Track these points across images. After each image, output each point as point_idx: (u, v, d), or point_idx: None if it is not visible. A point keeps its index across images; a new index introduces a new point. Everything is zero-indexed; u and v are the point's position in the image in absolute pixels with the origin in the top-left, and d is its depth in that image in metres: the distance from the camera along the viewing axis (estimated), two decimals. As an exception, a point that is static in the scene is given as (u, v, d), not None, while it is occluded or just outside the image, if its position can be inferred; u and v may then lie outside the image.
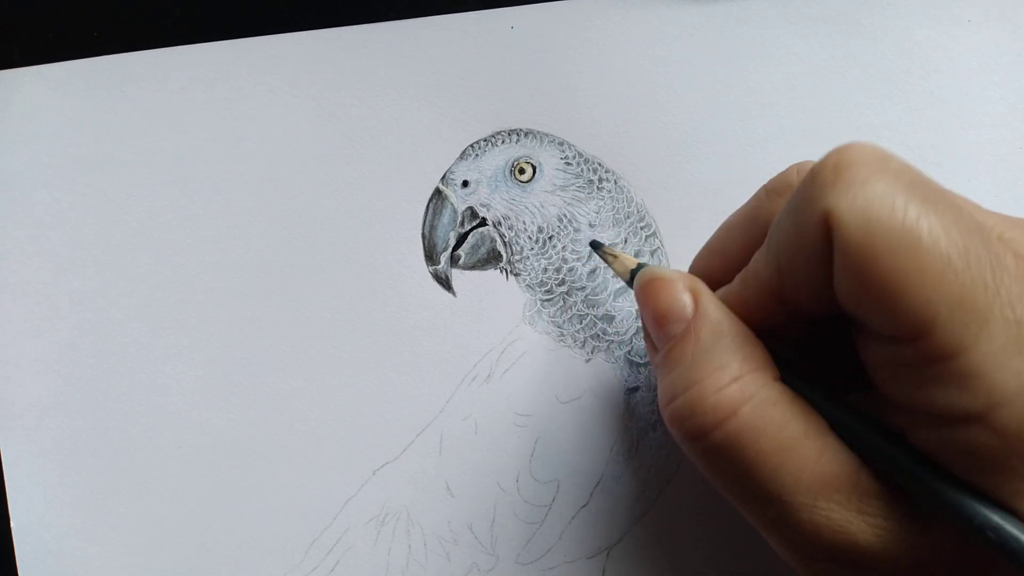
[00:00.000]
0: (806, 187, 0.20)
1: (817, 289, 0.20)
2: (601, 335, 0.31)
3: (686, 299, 0.23)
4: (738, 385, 0.21)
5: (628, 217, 0.31)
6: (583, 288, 0.31)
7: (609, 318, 0.31)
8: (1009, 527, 0.18)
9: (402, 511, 0.31)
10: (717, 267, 0.25)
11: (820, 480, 0.20)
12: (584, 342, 0.31)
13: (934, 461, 0.20)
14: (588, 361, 0.31)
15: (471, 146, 0.32)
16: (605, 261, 0.29)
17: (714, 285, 0.24)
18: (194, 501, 0.31)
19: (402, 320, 0.31)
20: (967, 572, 0.20)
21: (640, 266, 0.26)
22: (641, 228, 0.32)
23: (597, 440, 0.31)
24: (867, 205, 0.18)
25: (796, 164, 0.24)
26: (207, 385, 0.31)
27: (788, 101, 0.32)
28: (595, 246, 0.30)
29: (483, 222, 0.31)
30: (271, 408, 0.31)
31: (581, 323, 0.31)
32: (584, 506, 0.31)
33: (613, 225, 0.31)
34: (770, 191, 0.24)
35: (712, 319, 0.22)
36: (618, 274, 0.28)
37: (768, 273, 0.21)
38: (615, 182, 0.32)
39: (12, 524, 0.31)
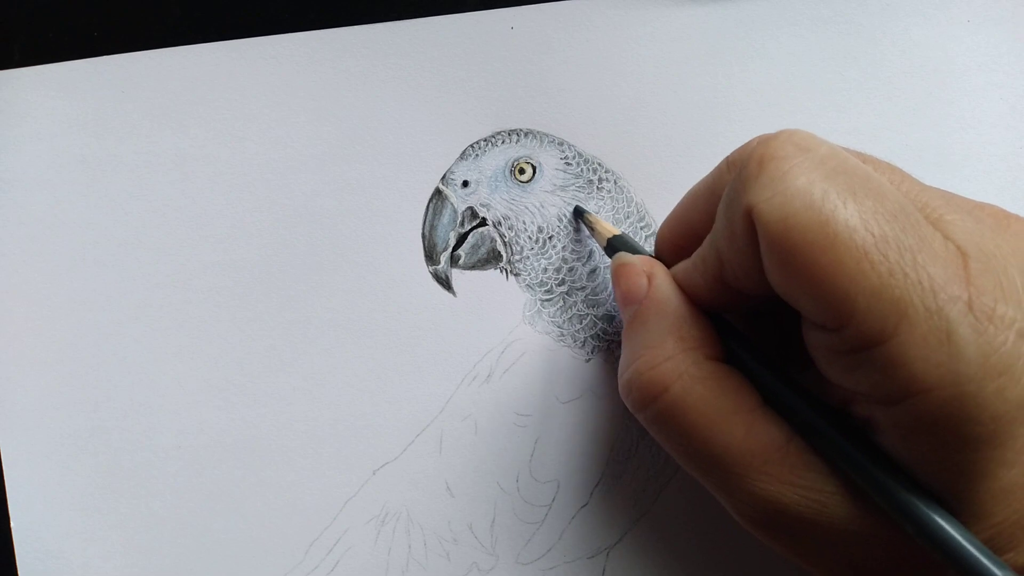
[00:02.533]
0: (734, 180, 0.21)
1: (754, 277, 0.21)
2: (601, 335, 0.31)
3: (643, 282, 0.25)
4: (670, 363, 0.23)
5: (628, 217, 0.32)
6: (583, 288, 0.31)
7: (609, 318, 0.31)
8: (924, 510, 0.19)
9: (402, 511, 0.31)
10: (680, 236, 0.26)
11: (749, 453, 0.21)
12: (584, 342, 0.31)
13: (867, 436, 0.20)
14: (588, 361, 0.31)
15: (471, 146, 0.32)
16: (587, 227, 0.30)
17: (677, 253, 0.25)
18: (194, 501, 0.31)
19: (402, 320, 0.31)
20: (897, 542, 0.20)
21: (617, 236, 0.28)
22: (641, 228, 0.32)
23: (597, 440, 0.31)
24: (785, 201, 0.19)
25: (759, 136, 0.24)
26: (207, 385, 0.31)
27: (788, 101, 0.32)
28: (578, 212, 0.31)
29: (483, 222, 0.31)
30: (271, 408, 0.31)
31: (581, 323, 0.31)
32: (584, 506, 0.31)
33: (613, 225, 0.31)
34: (731, 163, 0.24)
35: (657, 300, 0.24)
36: (597, 241, 0.30)
37: (712, 260, 0.22)
38: (615, 182, 0.32)
39: (12, 524, 0.31)
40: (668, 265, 0.25)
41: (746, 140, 0.31)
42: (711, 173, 0.25)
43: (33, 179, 0.32)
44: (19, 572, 0.31)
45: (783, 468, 0.21)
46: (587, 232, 0.31)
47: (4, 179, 0.32)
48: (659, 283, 0.24)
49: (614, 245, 0.28)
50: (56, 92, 0.32)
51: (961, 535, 0.19)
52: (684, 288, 0.24)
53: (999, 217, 0.21)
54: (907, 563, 0.21)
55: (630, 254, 0.27)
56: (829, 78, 0.32)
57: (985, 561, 0.18)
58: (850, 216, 0.18)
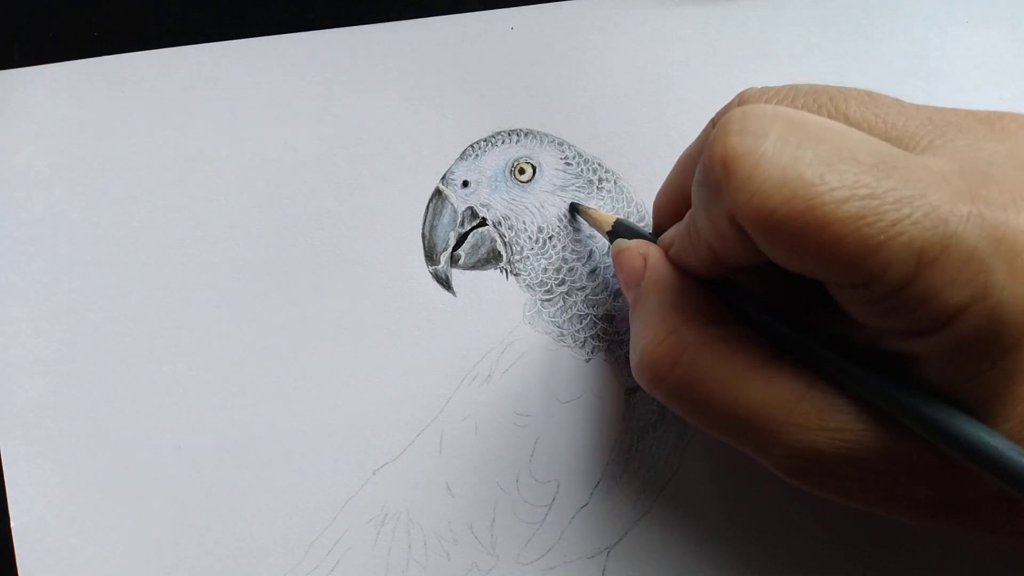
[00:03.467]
0: (705, 184, 0.20)
1: (752, 258, 0.20)
2: (601, 335, 0.31)
3: (639, 263, 0.25)
4: (674, 336, 0.23)
5: (628, 217, 0.31)
6: (583, 288, 0.31)
7: (609, 318, 0.31)
8: (967, 427, 0.19)
9: (402, 511, 0.31)
10: (676, 204, 0.26)
11: (772, 407, 0.21)
12: (584, 342, 0.31)
13: (896, 370, 0.20)
14: (588, 361, 0.31)
15: (471, 146, 0.32)
16: (586, 220, 0.31)
17: (674, 221, 0.25)
18: (194, 501, 0.31)
19: (402, 320, 0.31)
20: (935, 464, 0.20)
21: (617, 222, 0.28)
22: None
23: (597, 440, 0.31)
24: (763, 200, 0.18)
25: (739, 94, 0.24)
26: (207, 385, 0.31)
27: (788, 101, 0.32)
28: (573, 208, 0.31)
29: (483, 222, 0.31)
30: (271, 408, 0.31)
31: (581, 323, 0.31)
32: (584, 506, 0.31)
33: (613, 225, 0.31)
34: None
35: (654, 278, 0.24)
36: (599, 231, 0.30)
37: (703, 249, 0.22)
38: (615, 182, 0.32)
39: (12, 524, 0.31)
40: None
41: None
42: (699, 137, 0.25)
43: (33, 179, 0.32)
44: (19, 572, 0.31)
45: (810, 415, 0.21)
46: (588, 227, 0.31)
47: (4, 179, 0.32)
48: (654, 262, 0.24)
49: (617, 231, 0.28)
50: (56, 92, 0.32)
51: (1001, 445, 0.19)
52: (680, 266, 0.24)
53: (990, 120, 0.21)
54: (948, 482, 0.21)
55: (626, 240, 0.27)
56: (829, 78, 0.32)
57: None
58: (832, 189, 0.18)
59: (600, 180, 0.32)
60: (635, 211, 0.32)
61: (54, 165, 0.32)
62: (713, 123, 0.24)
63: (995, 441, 0.19)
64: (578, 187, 0.31)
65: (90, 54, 0.32)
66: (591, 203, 0.31)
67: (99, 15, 0.33)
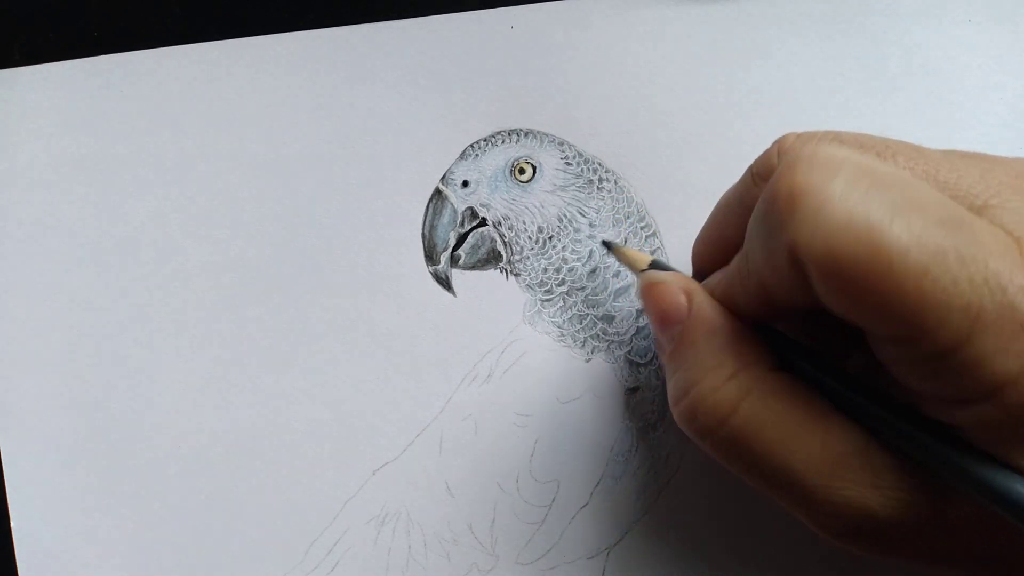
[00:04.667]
0: (767, 216, 0.20)
1: (804, 299, 0.20)
2: (601, 335, 0.31)
3: (681, 300, 0.23)
4: (734, 382, 0.22)
5: (628, 217, 0.31)
6: (583, 288, 0.31)
7: (609, 318, 0.31)
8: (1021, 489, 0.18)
9: (402, 511, 0.31)
10: (718, 251, 0.25)
11: (829, 462, 0.20)
12: (584, 342, 0.31)
13: (946, 432, 0.20)
14: (588, 361, 0.31)
15: (471, 146, 0.32)
16: (618, 259, 0.30)
17: (715, 270, 0.25)
18: (194, 501, 0.31)
19: (402, 320, 0.31)
20: (990, 534, 0.20)
21: (652, 262, 0.27)
22: (641, 228, 0.32)
23: (597, 440, 0.31)
24: (828, 236, 0.18)
25: (778, 141, 0.23)
26: (207, 385, 0.31)
27: (789, 101, 0.32)
28: (607, 245, 0.31)
29: (483, 222, 0.31)
30: (271, 408, 0.31)
31: (581, 323, 0.31)
32: (584, 506, 0.31)
33: (613, 225, 0.31)
34: (756, 175, 0.24)
35: (703, 319, 0.23)
36: (632, 271, 0.28)
37: (753, 285, 0.21)
38: (615, 182, 0.32)
39: (12, 524, 0.31)
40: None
41: (746, 140, 0.32)
42: (737, 184, 0.24)
43: (33, 178, 0.32)
44: (19, 572, 0.31)
45: (864, 472, 0.20)
46: (588, 227, 0.31)
47: (4, 179, 0.32)
48: (701, 300, 0.23)
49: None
50: (56, 92, 0.32)
51: None
52: (724, 305, 0.23)
53: None
54: (995, 544, 0.20)
55: (659, 271, 0.25)
56: (830, 78, 0.32)
57: None
58: (900, 237, 0.18)
59: (600, 180, 0.32)
60: (635, 211, 0.32)
61: (54, 165, 0.32)
62: (751, 172, 0.24)
63: None
64: (578, 187, 0.31)
65: (90, 54, 0.32)
66: (591, 203, 0.31)
67: (99, 15, 0.33)
